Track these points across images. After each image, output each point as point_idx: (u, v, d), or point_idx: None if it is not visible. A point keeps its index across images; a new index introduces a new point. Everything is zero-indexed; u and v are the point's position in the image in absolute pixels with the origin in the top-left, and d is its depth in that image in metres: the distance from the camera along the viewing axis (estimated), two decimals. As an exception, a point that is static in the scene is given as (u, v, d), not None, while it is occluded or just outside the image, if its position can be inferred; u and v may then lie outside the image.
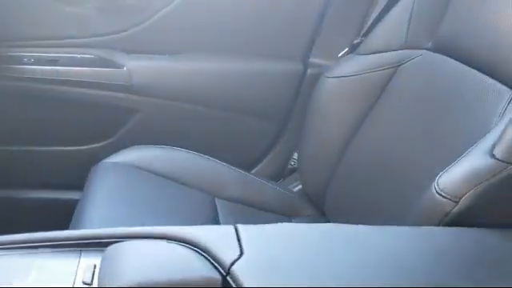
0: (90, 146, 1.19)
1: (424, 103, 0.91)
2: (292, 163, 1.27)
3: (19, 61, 1.12)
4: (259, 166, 1.30)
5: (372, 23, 1.09)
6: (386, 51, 1.01)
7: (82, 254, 0.51)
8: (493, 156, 0.61)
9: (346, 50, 1.12)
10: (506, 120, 0.66)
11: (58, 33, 1.15)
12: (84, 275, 0.48)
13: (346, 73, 1.05)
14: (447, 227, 0.60)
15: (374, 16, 1.10)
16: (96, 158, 1.06)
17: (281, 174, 1.30)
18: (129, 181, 1.01)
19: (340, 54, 1.13)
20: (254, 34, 1.21)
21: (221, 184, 1.07)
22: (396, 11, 1.02)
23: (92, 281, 0.47)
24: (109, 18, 1.16)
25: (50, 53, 1.14)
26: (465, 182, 0.60)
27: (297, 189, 1.20)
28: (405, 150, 0.86)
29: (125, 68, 1.16)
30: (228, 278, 0.45)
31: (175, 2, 1.15)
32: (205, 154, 1.12)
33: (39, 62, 1.13)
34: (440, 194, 0.61)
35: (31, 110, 1.17)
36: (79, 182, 1.02)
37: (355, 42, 1.09)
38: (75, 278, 0.48)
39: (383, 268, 0.51)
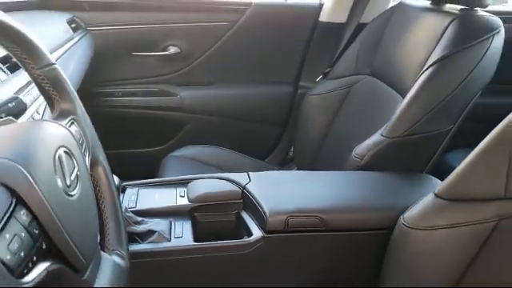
0: (158, 148, 1.69)
1: (364, 108, 1.39)
2: (290, 154, 1.71)
3: (112, 94, 1.63)
4: (269, 157, 1.76)
5: (335, 59, 1.58)
6: (344, 77, 1.46)
7: (178, 187, 1.05)
8: (381, 134, 1.13)
9: (321, 76, 1.60)
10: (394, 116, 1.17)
11: (135, 75, 1.65)
12: (179, 194, 1.03)
13: (320, 92, 1.51)
14: (359, 171, 1.09)
15: (337, 54, 1.61)
16: (163, 154, 1.56)
17: (284, 162, 1.75)
18: (185, 167, 1.50)
19: (317, 80, 1.60)
20: (260, 68, 1.69)
21: (244, 169, 1.44)
22: (349, 51, 1.48)
23: (184, 195, 1.01)
24: (166, 64, 1.66)
25: (130, 88, 1.65)
26: (365, 149, 1.12)
27: (294, 170, 1.62)
28: (349, 135, 1.33)
29: (178, 96, 1.68)
30: (244, 190, 0.99)
31: (207, 53, 1.64)
32: (231, 149, 1.60)
33: (124, 94, 1.64)
34: (355, 156, 1.14)
35: (119, 125, 1.63)
36: (152, 172, 1.48)
37: (326, 71, 1.57)
38: (176, 197, 1.03)
39: (328, 186, 1.01)
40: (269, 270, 0.93)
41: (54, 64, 0.62)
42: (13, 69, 0.92)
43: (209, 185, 1.01)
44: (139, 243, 0.88)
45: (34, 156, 0.47)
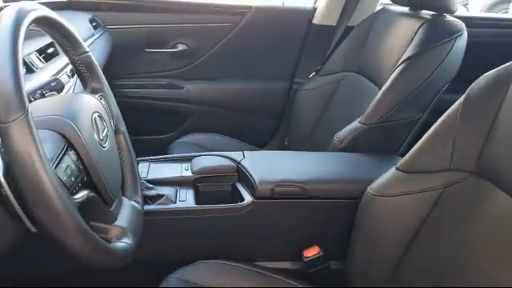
0: (166, 135, 1.86)
1: (349, 101, 1.55)
2: (286, 143, 1.85)
3: (126, 86, 1.80)
4: (266, 146, 1.92)
5: (326, 58, 1.75)
6: (333, 74, 1.63)
7: (183, 162, 1.24)
8: (358, 122, 1.31)
9: (313, 73, 1.76)
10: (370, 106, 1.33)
11: (146, 69, 1.82)
12: (184, 168, 1.21)
13: (312, 87, 1.68)
14: (340, 152, 1.27)
15: (328, 53, 1.79)
16: (170, 140, 1.74)
17: (279, 150, 1.87)
18: (190, 151, 1.62)
19: (310, 76, 1.77)
20: (259, 65, 1.85)
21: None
22: (338, 51, 1.65)
23: (188, 169, 1.19)
24: (175, 60, 1.83)
25: (142, 81, 1.82)
26: (345, 134, 1.29)
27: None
28: (336, 125, 1.43)
29: (184, 89, 1.85)
30: (239, 165, 1.17)
31: (211, 50, 1.82)
32: (233, 138, 1.79)
33: (137, 86, 1.81)
34: (335, 140, 1.31)
35: (131, 113, 1.74)
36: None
37: (318, 68, 1.74)
38: (181, 170, 1.20)
39: (309, 163, 1.18)
40: (257, 230, 1.11)
41: (88, 52, 0.80)
42: (47, 59, 1.11)
43: (209, 160, 1.19)
44: (150, 204, 1.06)
45: (79, 116, 0.65)
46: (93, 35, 1.53)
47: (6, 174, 0.55)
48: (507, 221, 0.79)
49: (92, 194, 0.64)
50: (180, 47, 1.82)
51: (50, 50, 1.13)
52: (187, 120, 1.88)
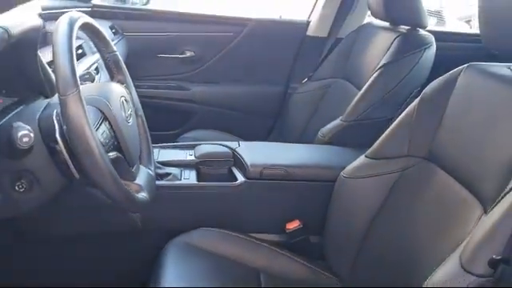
0: (173, 131, 2.04)
1: (335, 103, 1.76)
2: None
3: (139, 87, 1.94)
4: None
5: (318, 66, 1.94)
6: (323, 79, 1.84)
7: (187, 149, 1.45)
8: (340, 119, 1.52)
9: (306, 79, 1.96)
10: (349, 106, 1.55)
11: (158, 72, 2.03)
12: (188, 154, 1.42)
13: (304, 91, 1.90)
14: (325, 145, 1.48)
15: (319, 62, 2.00)
16: (176, 136, 1.95)
17: None
18: None
19: (303, 81, 1.96)
20: (258, 71, 2.05)
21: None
22: (328, 59, 1.87)
23: (192, 154, 1.41)
24: (183, 64, 2.04)
25: (153, 83, 2.03)
26: (327, 130, 1.51)
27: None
28: (324, 123, 1.70)
29: (191, 90, 2.05)
30: (234, 152, 1.38)
31: (216, 57, 2.02)
32: (232, 135, 1.97)
33: (149, 87, 2.01)
34: (320, 135, 1.52)
35: (146, 111, 2.00)
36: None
37: (310, 75, 1.94)
38: (186, 155, 1.42)
39: (294, 151, 1.39)
40: (248, 205, 1.31)
41: (115, 51, 1.02)
42: (77, 58, 1.33)
43: (210, 147, 1.40)
44: (160, 180, 1.26)
45: (111, 97, 0.87)
46: (112, 40, 1.75)
47: (61, 134, 0.76)
48: (445, 197, 0.97)
49: (119, 155, 0.85)
50: (188, 53, 2.04)
51: (79, 51, 1.36)
52: (192, 118, 2.08)
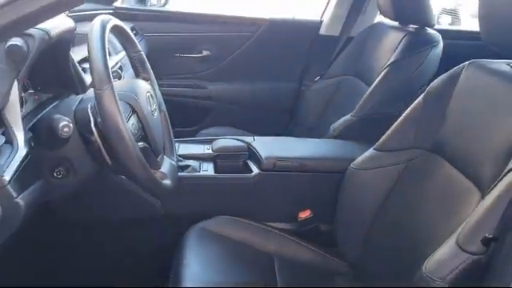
0: (191, 128, 2.11)
1: (346, 98, 1.82)
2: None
3: (160, 85, 2.01)
4: None
5: (330, 64, 2.00)
6: (335, 77, 1.91)
7: (205, 143, 1.53)
8: (350, 115, 1.59)
9: (318, 77, 2.02)
10: (360, 101, 1.62)
11: (176, 71, 2.11)
12: (206, 148, 1.51)
13: (317, 88, 1.97)
14: (335, 139, 1.55)
15: (331, 60, 2.06)
16: (194, 133, 2.02)
17: None
18: None
19: (316, 79, 2.03)
20: (272, 69, 2.12)
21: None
22: (340, 57, 1.93)
23: (209, 148, 1.49)
24: (200, 63, 2.12)
25: (172, 81, 2.10)
26: (338, 124, 1.58)
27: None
28: (335, 119, 1.78)
29: (207, 88, 2.13)
30: (249, 146, 1.45)
31: (231, 56, 2.10)
32: (247, 131, 2.04)
33: (168, 85, 2.07)
34: (331, 130, 1.59)
35: (166, 108, 2.14)
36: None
37: (322, 73, 2.00)
38: (204, 149, 1.51)
39: (307, 145, 1.47)
40: (262, 195, 1.39)
41: (141, 51, 1.11)
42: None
43: (227, 142, 1.48)
44: (180, 172, 1.35)
45: (138, 92, 0.96)
46: (133, 41, 1.85)
47: (95, 126, 0.85)
48: (448, 186, 1.03)
49: (146, 145, 0.94)
50: (205, 53, 2.11)
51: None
52: (209, 115, 2.16)
